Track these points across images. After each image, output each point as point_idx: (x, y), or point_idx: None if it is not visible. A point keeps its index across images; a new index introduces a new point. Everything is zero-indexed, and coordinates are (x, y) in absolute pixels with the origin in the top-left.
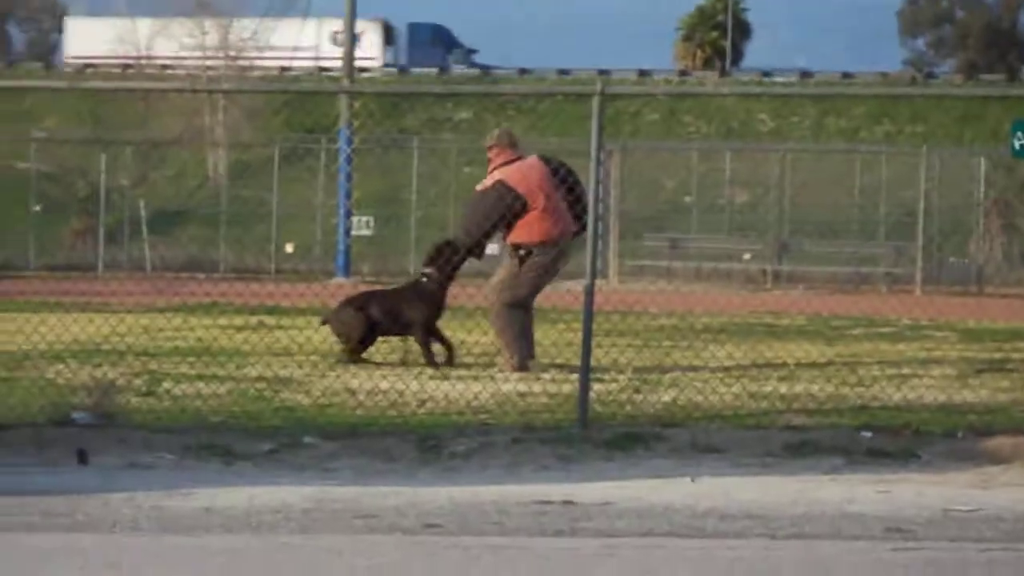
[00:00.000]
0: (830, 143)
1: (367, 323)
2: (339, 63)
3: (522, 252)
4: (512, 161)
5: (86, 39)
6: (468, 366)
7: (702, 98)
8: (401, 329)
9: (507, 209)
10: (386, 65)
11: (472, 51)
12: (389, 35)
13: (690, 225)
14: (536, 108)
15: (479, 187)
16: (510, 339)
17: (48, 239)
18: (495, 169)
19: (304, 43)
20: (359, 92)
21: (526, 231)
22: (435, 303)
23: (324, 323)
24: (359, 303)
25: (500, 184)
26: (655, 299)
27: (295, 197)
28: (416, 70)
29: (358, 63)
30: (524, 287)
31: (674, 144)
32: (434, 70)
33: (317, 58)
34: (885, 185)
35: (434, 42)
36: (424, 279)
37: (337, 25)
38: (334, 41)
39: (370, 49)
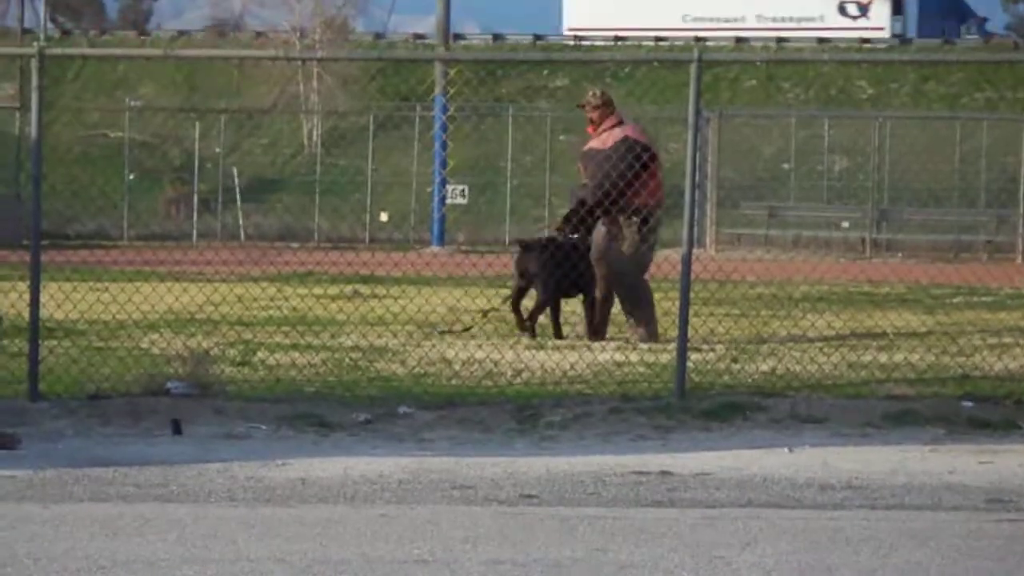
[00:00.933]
0: (930, 110)
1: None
2: (842, 34)
3: (636, 219)
4: (620, 123)
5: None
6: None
7: (801, 64)
8: (577, 287)
9: (641, 165)
10: (894, 35)
11: (984, 19)
12: (899, 5)
13: (788, 193)
14: (633, 75)
15: (597, 144)
16: (646, 307)
17: (142, 208)
18: (604, 131)
19: None
20: (454, 60)
21: (646, 194)
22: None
23: (522, 245)
24: (555, 248)
25: (628, 139)
26: (753, 268)
27: (390, 166)
28: (920, 40)
29: (863, 34)
30: (648, 253)
31: (772, 111)
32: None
33: (822, 28)
34: (986, 152)
35: (946, 12)
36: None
37: None
38: (842, 11)
39: (877, 19)
